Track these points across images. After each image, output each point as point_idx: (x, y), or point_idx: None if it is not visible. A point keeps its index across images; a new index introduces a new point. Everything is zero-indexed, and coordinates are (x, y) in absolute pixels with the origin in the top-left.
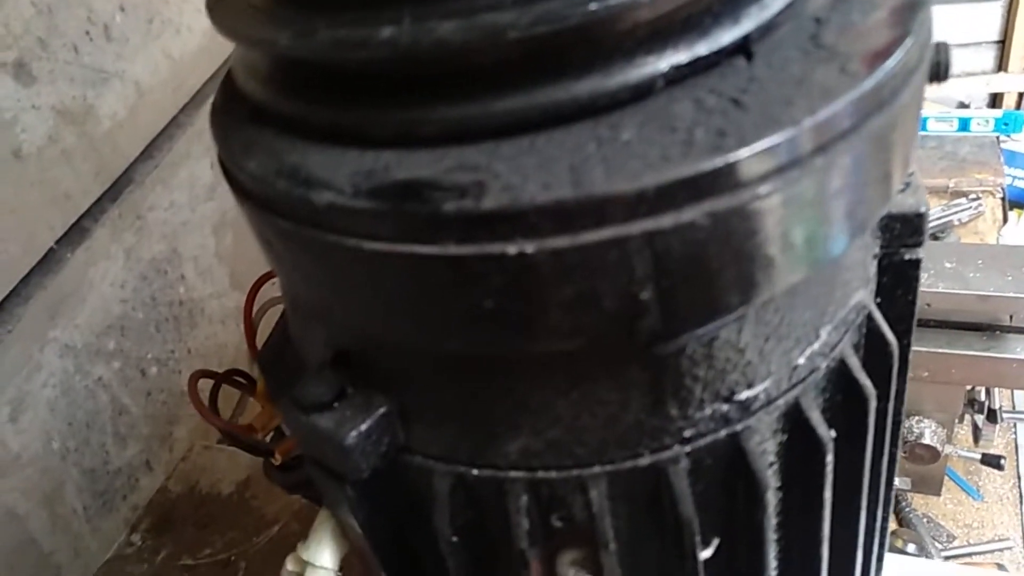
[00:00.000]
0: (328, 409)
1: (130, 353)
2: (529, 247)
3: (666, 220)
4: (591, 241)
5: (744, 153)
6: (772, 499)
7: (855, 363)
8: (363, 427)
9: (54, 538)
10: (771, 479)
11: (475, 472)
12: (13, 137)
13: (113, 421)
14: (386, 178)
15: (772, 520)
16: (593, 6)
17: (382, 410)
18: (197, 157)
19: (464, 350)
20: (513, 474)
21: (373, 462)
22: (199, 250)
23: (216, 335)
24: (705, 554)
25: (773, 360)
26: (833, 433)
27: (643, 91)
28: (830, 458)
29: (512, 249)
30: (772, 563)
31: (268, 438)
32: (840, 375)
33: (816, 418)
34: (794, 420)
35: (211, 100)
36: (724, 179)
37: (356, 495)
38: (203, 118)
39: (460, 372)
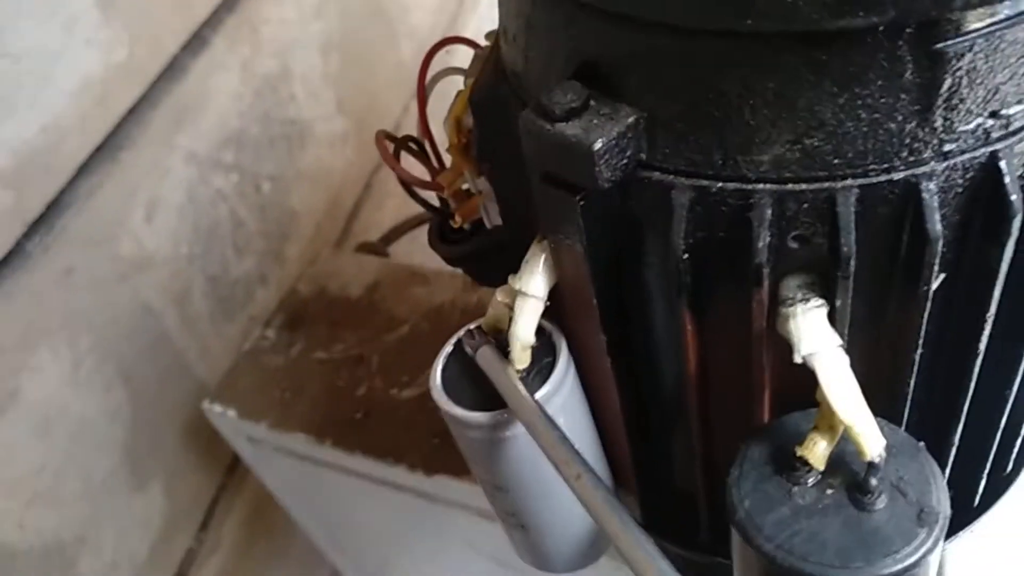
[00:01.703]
0: (576, 117)
1: (246, 168)
2: None
3: None
4: None
5: None
6: (1017, 229)
7: None
8: (612, 133)
9: (184, 336)
10: (1021, 206)
11: (720, 185)
12: None
13: (232, 233)
14: None
15: (1009, 256)
16: None
17: (630, 119)
18: None
19: (760, 27)
20: (761, 187)
21: (617, 173)
22: (308, 70)
23: (323, 158)
24: (933, 285)
25: None
26: None
27: None
28: None
29: None
30: (994, 306)
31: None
32: None
33: None
34: None
35: None
36: None
37: (587, 213)
38: None
39: (724, 75)
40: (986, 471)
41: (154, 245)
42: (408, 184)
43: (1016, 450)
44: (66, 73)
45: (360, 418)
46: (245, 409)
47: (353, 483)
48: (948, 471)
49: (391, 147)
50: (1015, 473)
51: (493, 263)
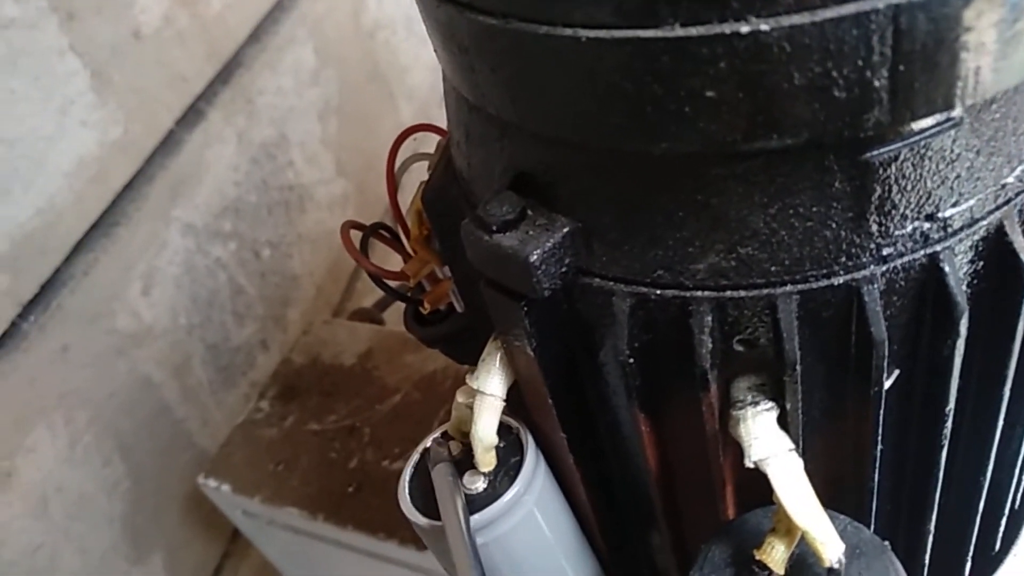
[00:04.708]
0: (512, 228)
1: (245, 235)
2: (764, 25)
3: None
4: (832, 17)
5: None
6: (965, 328)
7: None
8: (547, 245)
9: (185, 407)
10: (966, 304)
11: (659, 292)
12: (132, 18)
13: (232, 300)
14: None
15: (961, 351)
16: None
17: (565, 229)
18: (301, 42)
19: (674, 149)
20: (700, 294)
21: (554, 281)
22: (305, 136)
23: (324, 221)
24: (887, 384)
25: (982, 176)
26: None
27: None
28: None
29: (745, 28)
30: (952, 401)
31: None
32: None
33: (1020, 243)
34: (994, 245)
35: None
36: None
37: (532, 317)
38: (308, 1)
39: (652, 188)
40: (970, 553)
41: (152, 317)
42: (375, 276)
43: (1002, 530)
44: (61, 155)
45: (352, 491)
46: (239, 484)
47: (347, 555)
48: (928, 556)
49: (359, 237)
50: (1004, 551)
51: (467, 345)
